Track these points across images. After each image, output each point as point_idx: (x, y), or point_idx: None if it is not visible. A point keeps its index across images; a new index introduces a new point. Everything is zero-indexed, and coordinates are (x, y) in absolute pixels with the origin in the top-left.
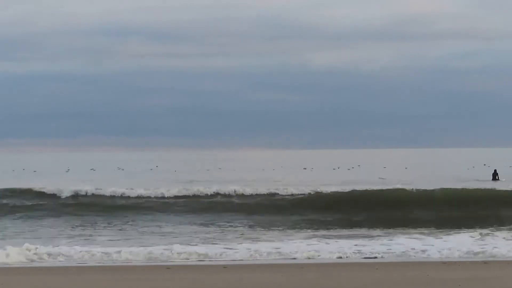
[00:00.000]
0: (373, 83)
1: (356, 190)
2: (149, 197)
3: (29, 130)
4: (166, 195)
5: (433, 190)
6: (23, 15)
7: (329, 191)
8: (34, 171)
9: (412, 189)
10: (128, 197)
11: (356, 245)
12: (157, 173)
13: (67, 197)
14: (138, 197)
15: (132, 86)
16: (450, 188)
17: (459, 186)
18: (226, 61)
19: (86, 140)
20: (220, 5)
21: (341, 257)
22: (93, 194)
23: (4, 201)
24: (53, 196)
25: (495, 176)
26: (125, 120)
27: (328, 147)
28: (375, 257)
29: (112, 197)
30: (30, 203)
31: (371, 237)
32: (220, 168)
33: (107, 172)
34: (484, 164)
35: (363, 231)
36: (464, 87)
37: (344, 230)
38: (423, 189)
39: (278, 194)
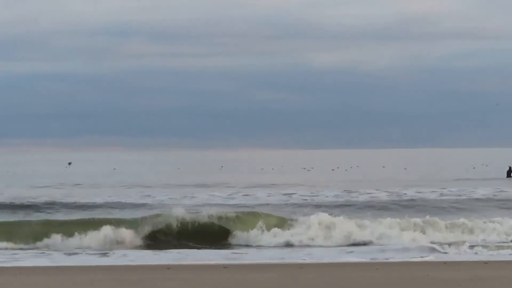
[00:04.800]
0: (374, 83)
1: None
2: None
3: (29, 130)
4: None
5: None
6: (25, 15)
7: None
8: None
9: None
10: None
11: None
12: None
13: None
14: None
15: (133, 86)
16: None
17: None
18: (226, 61)
19: (87, 140)
20: (221, 5)
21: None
22: None
23: None
24: None
25: (510, 173)
26: (125, 120)
27: (329, 147)
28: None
29: None
30: None
31: None
32: (222, 167)
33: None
34: (487, 165)
35: None
36: (465, 87)
37: None
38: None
39: None
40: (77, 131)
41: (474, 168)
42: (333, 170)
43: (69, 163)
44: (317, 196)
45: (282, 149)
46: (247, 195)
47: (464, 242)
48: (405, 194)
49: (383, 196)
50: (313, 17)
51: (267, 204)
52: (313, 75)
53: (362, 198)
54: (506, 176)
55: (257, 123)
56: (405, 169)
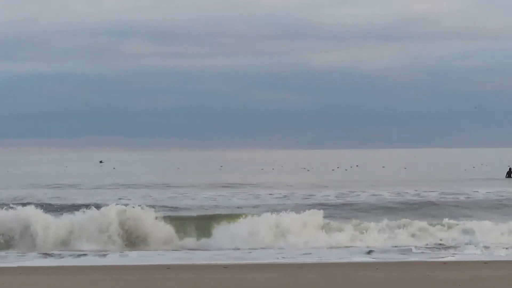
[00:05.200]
0: (374, 83)
1: None
2: None
3: (29, 130)
4: None
5: None
6: (25, 15)
7: None
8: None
9: None
10: None
11: None
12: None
13: None
14: None
15: (133, 86)
16: None
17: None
18: (226, 61)
19: (87, 140)
20: (221, 5)
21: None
22: None
23: None
24: None
25: (510, 174)
26: (125, 120)
27: (329, 147)
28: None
29: None
30: None
31: None
32: (221, 167)
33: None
34: (486, 165)
35: None
36: (465, 87)
37: None
38: None
39: None
40: (77, 131)
41: (474, 167)
42: (333, 170)
43: (101, 162)
44: (317, 196)
45: (282, 149)
46: (247, 194)
47: (463, 242)
48: (405, 194)
49: (383, 196)
50: (313, 17)
51: (266, 204)
52: (313, 75)
53: (361, 198)
54: (505, 176)
55: (257, 123)
56: (405, 169)
